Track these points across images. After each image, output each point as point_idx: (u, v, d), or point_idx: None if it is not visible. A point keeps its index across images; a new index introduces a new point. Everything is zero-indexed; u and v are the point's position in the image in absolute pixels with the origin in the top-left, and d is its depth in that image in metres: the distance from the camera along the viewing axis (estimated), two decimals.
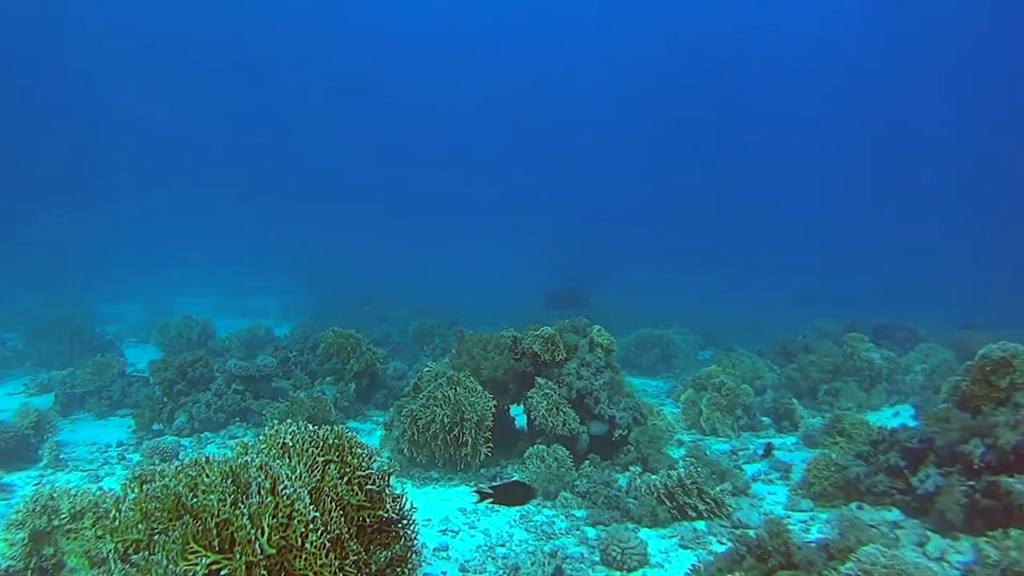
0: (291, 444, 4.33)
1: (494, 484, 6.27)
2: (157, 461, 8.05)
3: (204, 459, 4.06)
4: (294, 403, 9.53)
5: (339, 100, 68.33)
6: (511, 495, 6.03)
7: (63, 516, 5.15)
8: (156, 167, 57.57)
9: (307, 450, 4.26)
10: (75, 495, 5.22)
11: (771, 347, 15.34)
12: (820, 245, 50.98)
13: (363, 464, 4.29)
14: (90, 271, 31.42)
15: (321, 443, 4.31)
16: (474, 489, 6.14)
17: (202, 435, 9.73)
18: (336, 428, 4.47)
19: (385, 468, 4.36)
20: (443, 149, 71.93)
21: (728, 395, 10.44)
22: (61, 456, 8.73)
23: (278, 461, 4.08)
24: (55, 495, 5.23)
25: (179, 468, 4.03)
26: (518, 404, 8.95)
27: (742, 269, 41.04)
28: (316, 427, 4.46)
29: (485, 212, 63.00)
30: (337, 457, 4.29)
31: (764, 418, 10.77)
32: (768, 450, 9.03)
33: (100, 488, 5.21)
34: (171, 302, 26.19)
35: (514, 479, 6.77)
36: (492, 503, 6.18)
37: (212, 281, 32.17)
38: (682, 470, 6.86)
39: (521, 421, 9.13)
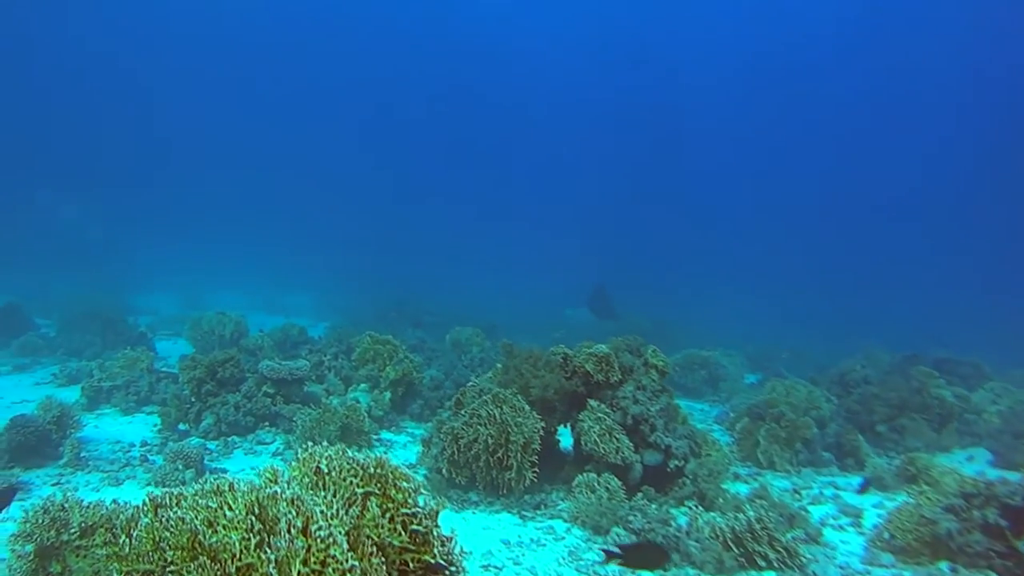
0: (327, 471, 3.77)
1: (623, 544, 5.75)
2: (180, 467, 7.59)
3: (228, 486, 3.53)
4: (326, 410, 9.02)
5: (376, 97, 68.32)
6: (644, 558, 5.49)
7: (73, 531, 4.64)
8: (195, 160, 58.20)
9: (345, 479, 3.71)
10: (87, 508, 4.71)
11: (825, 376, 14.52)
12: (856, 264, 49.79)
13: (408, 500, 3.72)
14: (127, 261, 31.52)
15: (361, 472, 3.75)
16: (601, 548, 5.64)
17: (229, 439, 9.26)
18: (378, 456, 3.89)
19: (433, 507, 3.76)
20: (480, 150, 71.72)
21: (788, 427, 9.69)
22: (82, 454, 8.31)
23: (311, 494, 3.52)
24: (67, 506, 4.72)
25: (198, 494, 3.51)
26: (565, 425, 8.32)
27: (775, 287, 40.14)
28: (355, 452, 3.89)
29: (522, 215, 62.63)
30: (379, 489, 3.72)
31: (825, 453, 9.98)
32: (864, 488, 8.36)
33: (115, 502, 4.69)
34: (204, 296, 26.09)
35: (643, 540, 6.13)
36: (621, 564, 5.72)
37: (247, 276, 32.10)
38: (752, 513, 6.17)
39: (566, 443, 8.49)
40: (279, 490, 3.36)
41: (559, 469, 8.04)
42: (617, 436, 7.56)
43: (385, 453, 9.50)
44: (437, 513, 3.78)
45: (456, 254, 46.14)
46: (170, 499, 3.55)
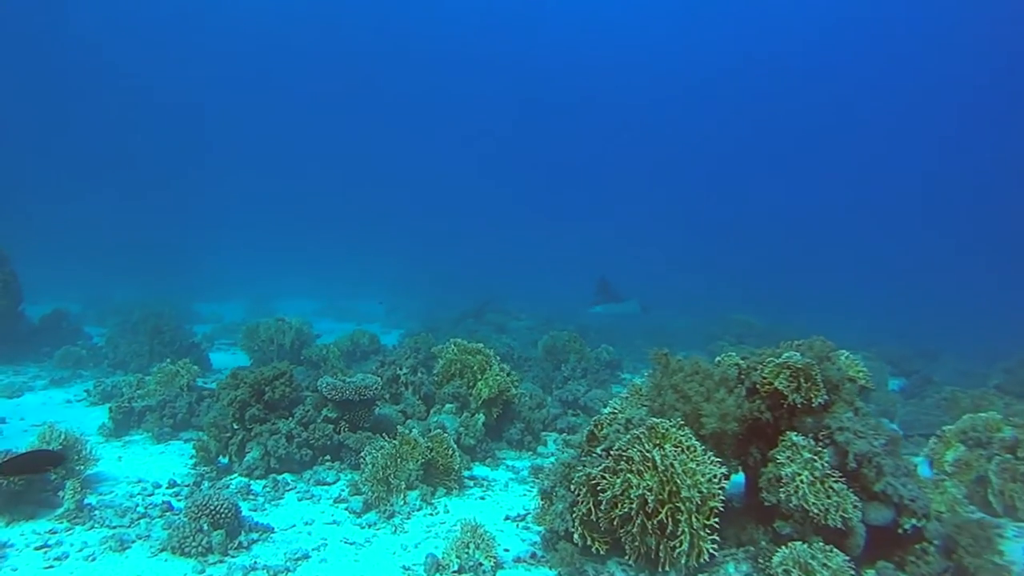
0: None
1: None
2: (205, 527, 5.41)
3: None
4: (404, 442, 6.76)
5: (449, 100, 67.09)
6: None
7: None
8: (269, 164, 57.96)
9: None
10: None
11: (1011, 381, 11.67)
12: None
13: None
14: (196, 267, 30.40)
15: None
16: None
17: (280, 477, 7.10)
18: None
19: None
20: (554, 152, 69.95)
21: None
22: (89, 500, 6.28)
23: None
24: None
25: None
26: (738, 470, 5.80)
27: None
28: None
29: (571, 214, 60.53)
30: None
31: None
32: None
33: None
34: (273, 303, 24.51)
35: None
36: None
37: (318, 282, 30.57)
38: None
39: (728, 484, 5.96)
40: None
41: (726, 524, 5.52)
42: (833, 486, 5.01)
43: (482, 497, 7.20)
44: None
45: (520, 255, 44.07)
46: None
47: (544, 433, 9.30)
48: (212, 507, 5.49)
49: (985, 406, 9.94)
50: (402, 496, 6.53)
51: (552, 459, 8.36)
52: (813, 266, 45.58)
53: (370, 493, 6.44)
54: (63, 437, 6.65)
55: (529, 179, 70.02)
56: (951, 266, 45.05)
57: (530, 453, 8.60)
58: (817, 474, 5.01)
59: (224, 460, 7.45)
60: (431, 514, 6.42)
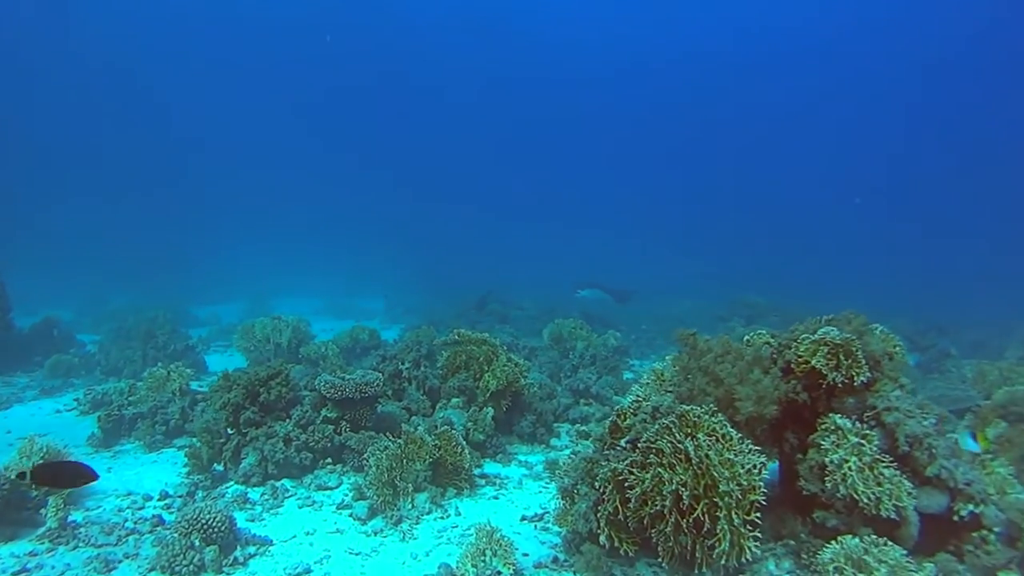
0: None
1: None
2: (196, 542, 4.97)
3: None
4: (410, 441, 6.32)
5: (460, 97, 66.47)
6: None
7: None
8: (257, 163, 57.43)
9: None
10: None
11: None
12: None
13: None
14: (189, 269, 29.92)
15: None
16: None
17: (278, 483, 6.64)
18: None
19: None
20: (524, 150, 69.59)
21: None
22: (73, 518, 5.84)
23: None
24: None
25: None
26: (773, 458, 5.36)
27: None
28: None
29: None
30: None
31: None
32: None
33: None
34: (272, 302, 24.04)
35: None
36: None
37: (317, 281, 30.12)
38: None
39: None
40: None
41: (761, 516, 5.07)
42: (883, 472, 4.56)
43: (496, 496, 6.75)
44: None
45: (519, 246, 43.68)
46: None
47: (556, 424, 8.86)
48: (204, 521, 5.05)
49: (1015, 379, 9.54)
50: (410, 499, 6.08)
51: (566, 452, 7.93)
52: (811, 246, 45.34)
53: (375, 497, 5.98)
54: (44, 450, 6.21)
55: (528, 169, 69.50)
56: (944, 241, 44.89)
57: (542, 446, 8.16)
58: (866, 460, 4.55)
59: (219, 467, 7.00)
60: (442, 517, 5.97)
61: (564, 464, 5.39)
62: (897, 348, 6.10)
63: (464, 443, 6.65)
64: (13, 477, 5.29)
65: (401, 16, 55.77)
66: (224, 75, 56.02)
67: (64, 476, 5.01)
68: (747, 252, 41.27)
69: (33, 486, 5.34)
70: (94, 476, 4.89)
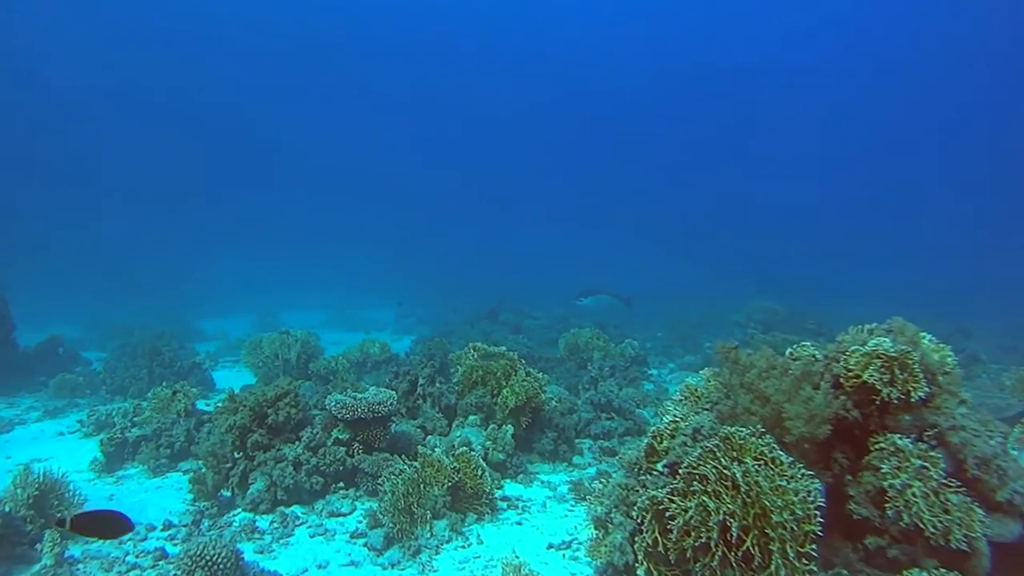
0: None
1: None
2: None
3: None
4: (426, 464, 5.95)
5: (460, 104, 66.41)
6: None
7: None
8: (270, 175, 57.33)
9: None
10: None
11: None
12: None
13: None
14: (200, 284, 29.69)
15: None
16: None
17: (288, 510, 6.28)
18: None
19: None
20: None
21: None
22: (71, 553, 5.49)
23: None
24: None
25: None
26: (818, 469, 4.95)
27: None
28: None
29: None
30: None
31: None
32: None
33: None
34: (280, 316, 23.76)
35: None
36: None
37: (325, 292, 29.81)
38: None
39: None
40: None
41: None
42: (949, 499, 4.15)
43: (519, 522, 6.35)
44: None
45: (530, 255, 43.31)
46: None
47: (577, 440, 8.47)
48: (208, 557, 4.69)
49: None
50: (428, 527, 5.70)
51: (590, 470, 7.55)
52: (822, 251, 44.85)
53: (391, 525, 5.61)
54: (40, 481, 5.86)
55: (536, 178, 69.24)
56: (958, 243, 44.34)
57: (565, 464, 7.77)
58: (932, 485, 4.14)
59: (226, 493, 6.65)
60: (463, 546, 5.59)
61: (596, 490, 4.99)
62: (949, 359, 5.71)
63: (484, 465, 6.29)
64: (53, 524, 4.94)
65: (402, 17, 55.79)
66: (225, 77, 55.98)
67: (103, 526, 4.65)
68: (755, 256, 40.75)
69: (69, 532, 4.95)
70: (131, 527, 4.53)
